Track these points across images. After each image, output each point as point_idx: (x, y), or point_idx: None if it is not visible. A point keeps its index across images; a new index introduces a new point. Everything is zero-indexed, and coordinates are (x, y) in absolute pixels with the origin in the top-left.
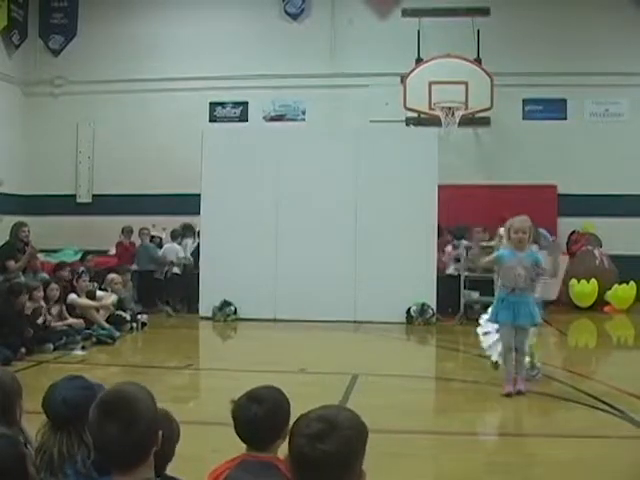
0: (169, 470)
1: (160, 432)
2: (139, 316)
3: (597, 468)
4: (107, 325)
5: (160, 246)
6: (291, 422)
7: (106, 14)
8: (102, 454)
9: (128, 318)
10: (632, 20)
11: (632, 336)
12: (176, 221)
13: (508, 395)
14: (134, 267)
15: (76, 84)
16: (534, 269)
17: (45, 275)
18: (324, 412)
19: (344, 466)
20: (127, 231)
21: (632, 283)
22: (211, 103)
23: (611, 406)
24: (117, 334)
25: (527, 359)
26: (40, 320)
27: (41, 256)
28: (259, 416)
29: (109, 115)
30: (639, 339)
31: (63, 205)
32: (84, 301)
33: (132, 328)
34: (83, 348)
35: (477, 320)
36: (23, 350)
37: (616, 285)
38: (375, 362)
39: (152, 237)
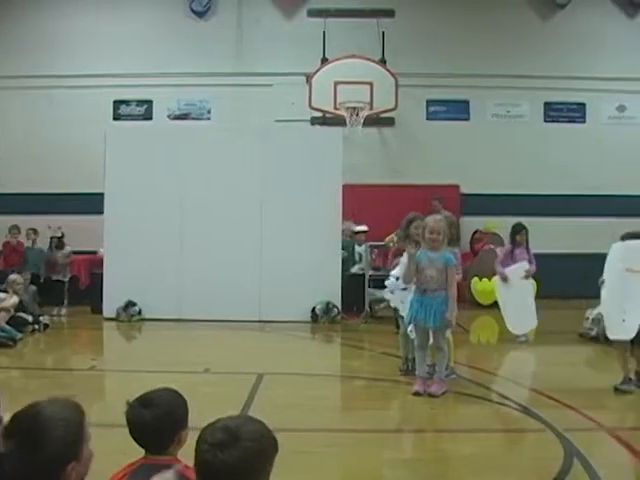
0: None
1: (72, 465)
2: (41, 317)
3: (501, 462)
4: (7, 327)
5: (60, 246)
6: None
7: (7, 8)
8: (9, 474)
9: (30, 320)
10: (533, 23)
11: (532, 332)
12: (79, 220)
13: (416, 394)
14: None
15: None
16: (446, 270)
17: None
18: (230, 422)
19: (244, 477)
20: (13, 230)
21: (532, 280)
22: (115, 101)
23: (513, 401)
24: (18, 336)
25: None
26: None
27: None
28: (148, 421)
29: (12, 112)
30: (540, 336)
31: None
32: None
33: (34, 330)
34: None
35: (382, 317)
36: None
37: None
38: (280, 361)
39: (51, 238)
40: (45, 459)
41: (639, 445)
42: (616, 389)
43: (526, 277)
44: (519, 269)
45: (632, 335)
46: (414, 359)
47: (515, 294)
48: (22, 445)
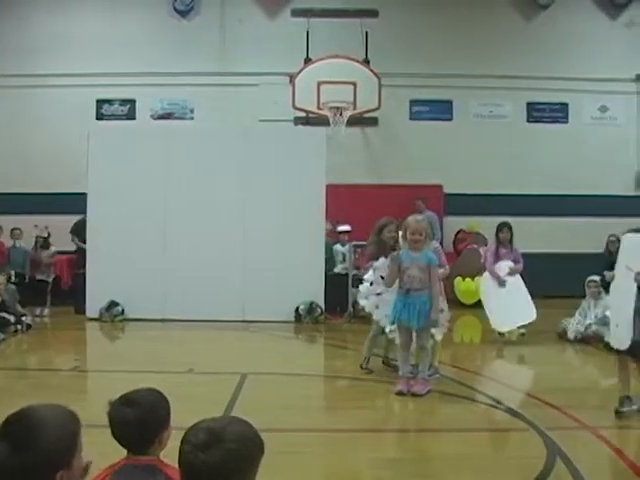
0: None
1: (61, 473)
2: (24, 318)
3: (484, 461)
4: None
5: (46, 246)
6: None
7: None
8: None
9: (12, 320)
10: (516, 23)
11: (516, 333)
12: (61, 220)
13: (400, 394)
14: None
15: None
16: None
17: None
18: (213, 423)
19: (227, 479)
20: None
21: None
22: (98, 100)
23: (497, 400)
24: (1, 337)
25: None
26: None
27: None
28: (130, 419)
29: None
30: (523, 335)
31: None
32: None
33: (17, 330)
34: None
35: (365, 317)
36: None
37: None
38: (264, 361)
39: (37, 237)
40: (33, 464)
41: (621, 444)
42: (617, 412)
43: (510, 274)
44: (502, 266)
45: (625, 345)
46: (387, 357)
47: (503, 291)
48: (10, 448)
